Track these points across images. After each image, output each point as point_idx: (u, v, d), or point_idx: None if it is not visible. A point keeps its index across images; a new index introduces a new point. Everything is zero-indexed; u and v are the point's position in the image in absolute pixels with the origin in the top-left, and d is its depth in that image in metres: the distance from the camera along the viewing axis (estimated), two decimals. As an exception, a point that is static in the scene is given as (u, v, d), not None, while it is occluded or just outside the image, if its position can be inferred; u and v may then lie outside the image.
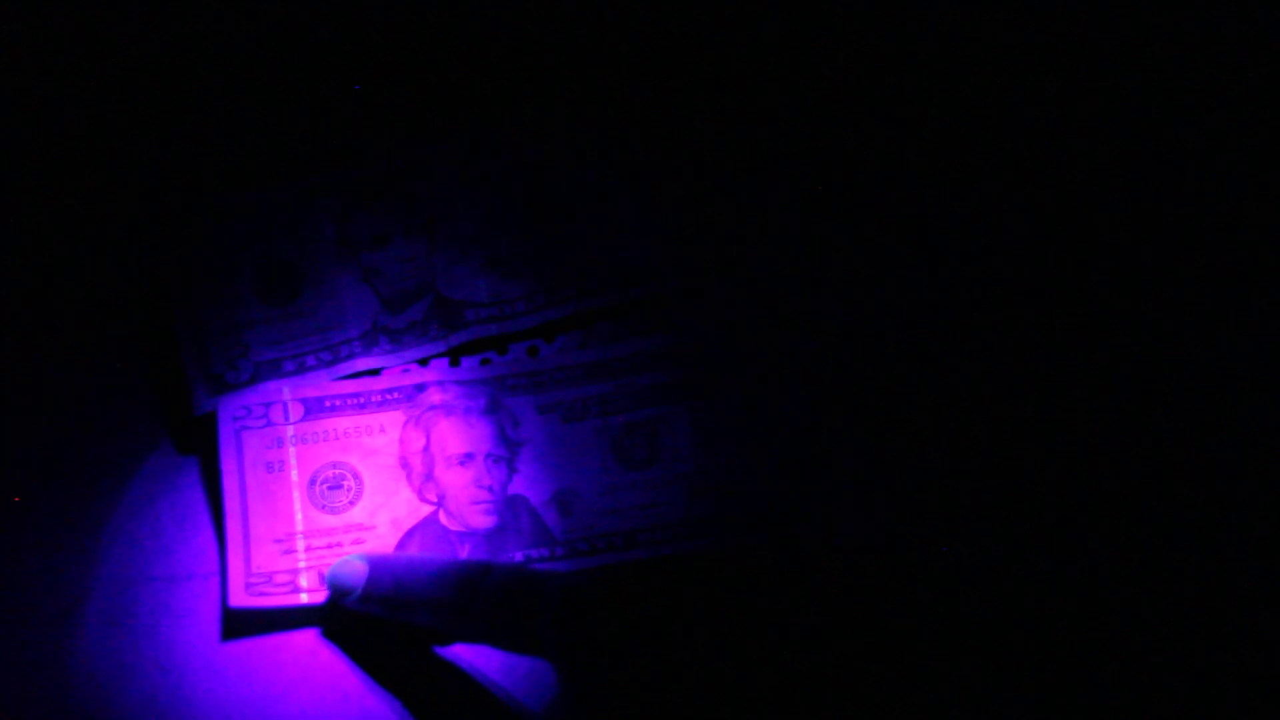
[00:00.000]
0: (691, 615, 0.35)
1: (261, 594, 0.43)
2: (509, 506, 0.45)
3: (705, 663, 0.34)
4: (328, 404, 0.46)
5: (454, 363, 0.47)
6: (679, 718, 0.33)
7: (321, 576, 0.43)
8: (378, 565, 0.41)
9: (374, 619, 0.41)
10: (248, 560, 0.43)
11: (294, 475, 0.45)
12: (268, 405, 0.45)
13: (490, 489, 0.45)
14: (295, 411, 0.46)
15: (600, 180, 0.49)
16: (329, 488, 0.45)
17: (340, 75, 0.52)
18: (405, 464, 0.45)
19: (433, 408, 0.46)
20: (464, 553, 0.44)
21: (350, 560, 0.42)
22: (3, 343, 0.47)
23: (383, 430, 0.45)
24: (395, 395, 0.46)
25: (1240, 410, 0.39)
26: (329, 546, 0.44)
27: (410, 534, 0.44)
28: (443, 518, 0.44)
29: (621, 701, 0.34)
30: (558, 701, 0.36)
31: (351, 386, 0.46)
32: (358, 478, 0.45)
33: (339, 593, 0.41)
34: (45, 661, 0.43)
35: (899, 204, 0.49)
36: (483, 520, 0.44)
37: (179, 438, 0.46)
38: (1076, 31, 0.49)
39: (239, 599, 0.43)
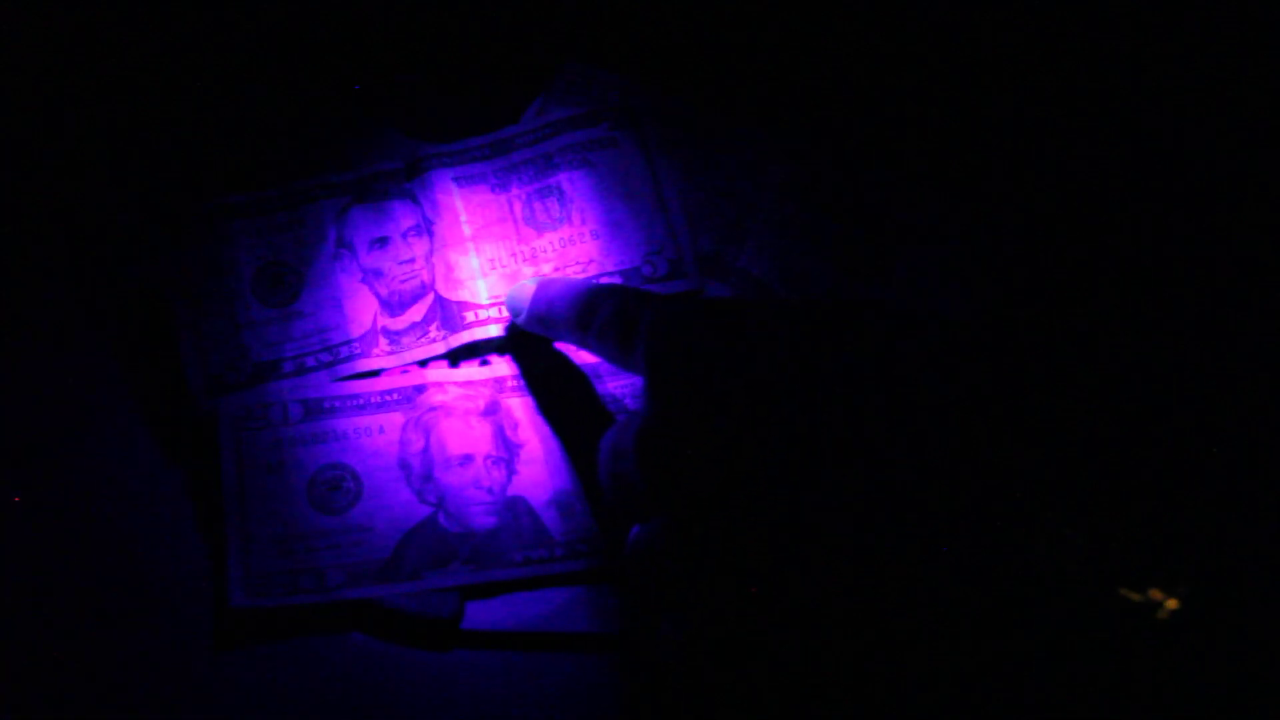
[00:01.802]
0: (767, 356, 0.34)
1: (261, 595, 0.43)
2: (508, 508, 0.45)
3: (766, 403, 0.33)
4: (327, 405, 0.46)
5: (453, 364, 0.47)
6: (733, 447, 0.33)
7: (319, 577, 0.43)
8: (542, 288, 0.44)
9: (537, 337, 0.46)
10: (247, 561, 0.43)
11: (293, 476, 0.45)
12: (267, 406, 0.45)
13: (489, 490, 0.45)
14: (295, 413, 0.46)
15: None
16: (328, 489, 0.45)
17: (340, 75, 0.52)
18: (404, 465, 0.45)
19: (432, 409, 0.46)
20: (464, 554, 0.44)
21: (525, 283, 0.44)
22: (2, 343, 0.47)
23: (382, 431, 0.45)
24: (395, 396, 0.46)
25: None
26: (328, 548, 0.44)
27: (409, 535, 0.44)
28: (442, 519, 0.44)
29: (681, 422, 0.35)
30: (635, 413, 0.37)
31: (351, 388, 0.46)
32: (357, 479, 0.45)
33: (513, 311, 0.45)
34: (45, 662, 0.43)
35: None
36: (482, 521, 0.44)
37: (179, 439, 0.46)
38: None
39: (239, 599, 0.43)
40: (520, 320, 0.45)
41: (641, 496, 0.36)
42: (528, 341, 0.47)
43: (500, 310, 0.47)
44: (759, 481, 0.33)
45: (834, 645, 0.33)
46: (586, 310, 0.40)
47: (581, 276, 0.48)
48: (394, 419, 0.46)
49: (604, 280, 0.48)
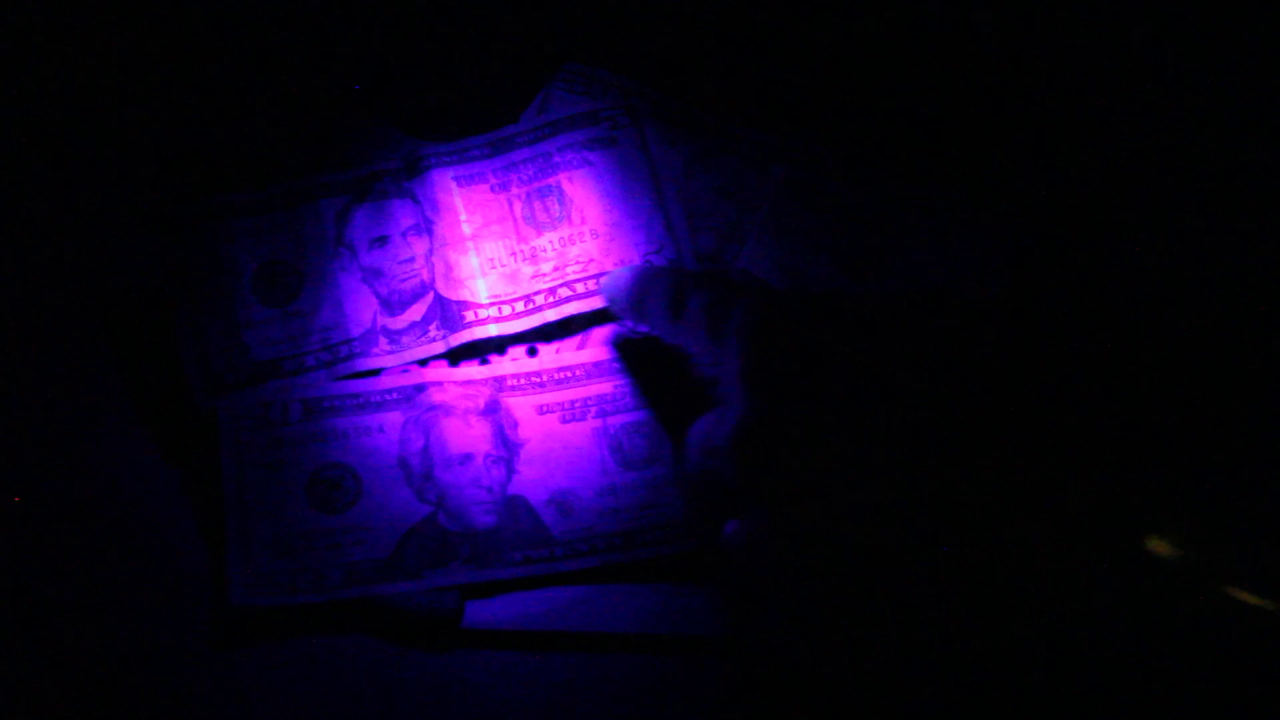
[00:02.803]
0: (866, 351, 0.34)
1: (260, 594, 0.43)
2: (508, 507, 0.45)
3: (867, 400, 0.33)
4: (327, 404, 0.46)
5: (453, 363, 0.47)
6: (833, 447, 0.33)
7: (319, 576, 0.43)
8: (634, 276, 0.44)
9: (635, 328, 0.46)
10: (247, 560, 0.43)
11: (293, 475, 0.45)
12: (267, 406, 0.45)
13: (489, 489, 0.45)
14: (295, 412, 0.46)
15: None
16: (328, 488, 0.45)
17: (340, 75, 0.52)
18: (404, 464, 0.45)
19: (432, 408, 0.46)
20: (464, 553, 0.44)
21: (619, 271, 0.45)
22: (2, 343, 0.47)
23: (382, 430, 0.45)
24: (394, 395, 0.46)
25: None
26: (328, 547, 0.44)
27: (409, 534, 0.44)
28: (442, 518, 0.44)
29: (779, 422, 0.34)
30: (725, 407, 0.37)
31: (351, 387, 0.46)
32: (357, 478, 0.45)
33: (608, 299, 0.45)
34: (46, 661, 0.43)
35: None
36: (482, 520, 0.44)
37: (179, 439, 0.46)
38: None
39: (238, 598, 0.43)
40: (614, 308, 0.45)
41: (734, 493, 0.36)
42: (623, 327, 0.47)
43: (500, 309, 0.47)
44: (860, 479, 0.33)
45: (935, 641, 0.33)
46: (677, 299, 0.40)
47: (665, 264, 0.48)
48: (394, 418, 0.46)
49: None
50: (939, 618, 0.32)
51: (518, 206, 0.49)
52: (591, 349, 0.47)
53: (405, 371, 0.47)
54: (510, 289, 0.48)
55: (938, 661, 0.33)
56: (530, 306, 0.48)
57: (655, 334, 0.46)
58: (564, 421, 0.46)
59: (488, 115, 0.51)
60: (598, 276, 0.48)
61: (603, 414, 0.46)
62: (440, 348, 0.47)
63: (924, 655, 0.33)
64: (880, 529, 0.32)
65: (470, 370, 0.47)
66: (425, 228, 0.49)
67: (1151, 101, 0.50)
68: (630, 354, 0.47)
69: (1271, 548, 0.31)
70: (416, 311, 0.48)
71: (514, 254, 0.49)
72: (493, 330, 0.47)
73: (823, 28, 0.52)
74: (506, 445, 0.46)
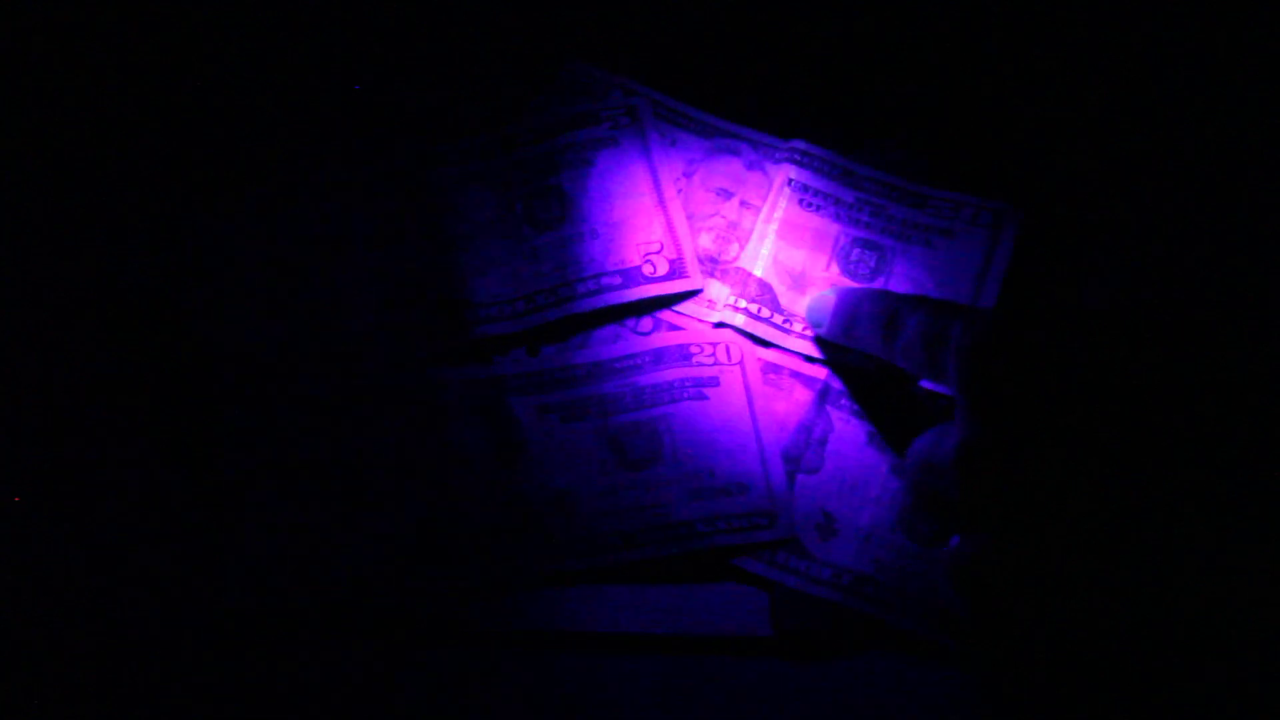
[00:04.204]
0: (1092, 372, 0.33)
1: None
2: (506, 507, 0.45)
3: (1095, 424, 0.33)
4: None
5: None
6: (1062, 472, 0.33)
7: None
8: (841, 300, 0.44)
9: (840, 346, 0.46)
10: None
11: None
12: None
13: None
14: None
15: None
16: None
17: (341, 75, 0.52)
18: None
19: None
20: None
21: (825, 294, 0.45)
22: (2, 342, 0.47)
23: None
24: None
25: None
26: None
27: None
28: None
29: (1006, 446, 0.34)
30: (948, 425, 0.37)
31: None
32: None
33: (814, 324, 0.46)
34: (45, 662, 0.43)
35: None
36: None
37: (180, 438, 0.46)
38: None
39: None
40: (822, 333, 0.45)
41: (957, 512, 0.36)
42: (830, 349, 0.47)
43: (500, 309, 0.47)
44: (1091, 505, 0.33)
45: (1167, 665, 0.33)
46: (890, 324, 0.40)
47: (880, 287, 0.47)
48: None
49: (606, 280, 0.48)
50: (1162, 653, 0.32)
51: (518, 206, 0.49)
52: (593, 348, 0.47)
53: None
54: (511, 289, 0.48)
55: (1154, 688, 0.33)
56: (531, 306, 0.48)
57: (866, 353, 0.44)
58: (565, 421, 0.46)
59: (488, 114, 0.51)
60: (598, 276, 0.48)
61: (604, 413, 0.46)
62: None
63: (1139, 684, 0.33)
64: (1102, 558, 0.32)
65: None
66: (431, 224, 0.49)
67: (1152, 101, 0.50)
68: (841, 365, 0.47)
69: None
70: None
71: (514, 254, 0.49)
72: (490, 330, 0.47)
73: (823, 27, 0.52)
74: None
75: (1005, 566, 0.34)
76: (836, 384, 0.47)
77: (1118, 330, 0.34)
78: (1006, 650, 0.36)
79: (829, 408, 0.46)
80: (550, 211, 0.49)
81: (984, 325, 0.36)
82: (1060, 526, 0.33)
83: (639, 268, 0.48)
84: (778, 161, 0.50)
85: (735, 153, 0.50)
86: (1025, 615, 0.34)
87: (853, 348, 0.44)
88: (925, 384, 0.46)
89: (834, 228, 0.49)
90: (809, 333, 0.47)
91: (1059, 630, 0.34)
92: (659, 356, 0.47)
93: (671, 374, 0.47)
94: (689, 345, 0.47)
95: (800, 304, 0.47)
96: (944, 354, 0.37)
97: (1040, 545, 0.33)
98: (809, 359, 0.47)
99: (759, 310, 0.47)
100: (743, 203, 0.49)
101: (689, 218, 0.49)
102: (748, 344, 0.47)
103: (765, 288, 0.48)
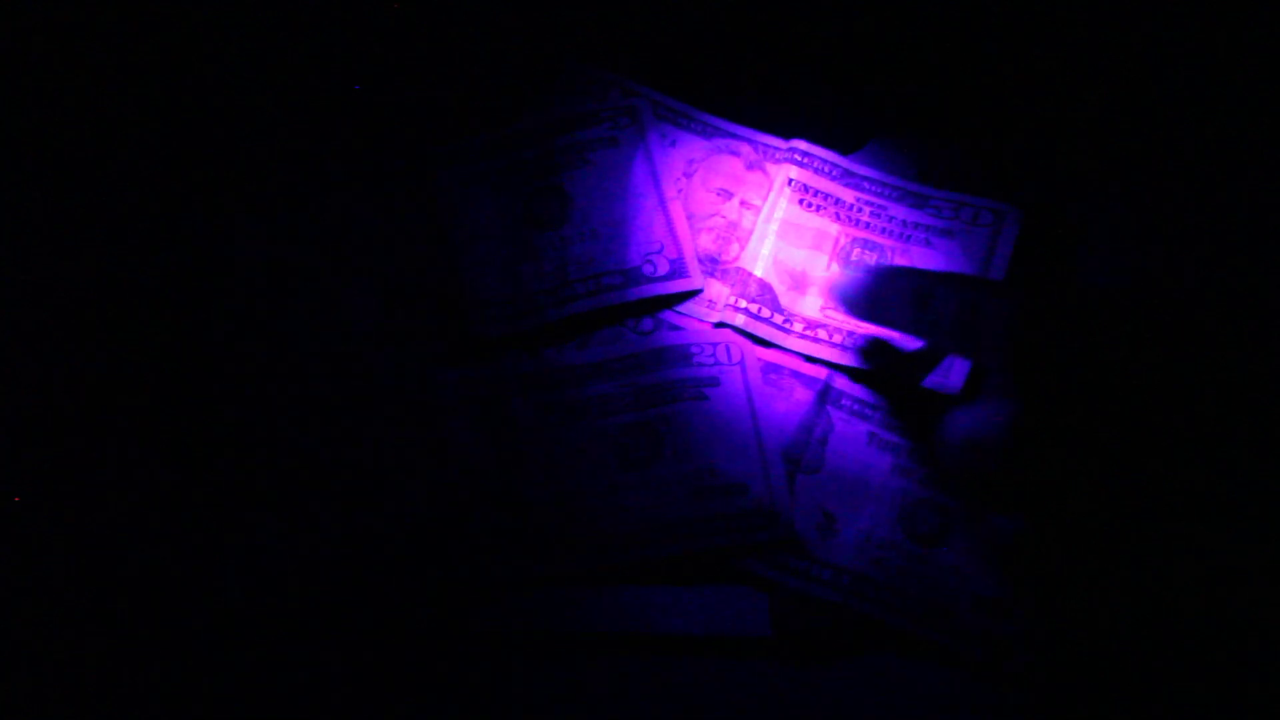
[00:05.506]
0: (1138, 355, 0.33)
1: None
2: (506, 507, 0.45)
3: (1139, 407, 0.33)
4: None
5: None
6: (1090, 448, 0.33)
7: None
8: (871, 277, 0.43)
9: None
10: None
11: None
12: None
13: None
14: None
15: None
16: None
17: (341, 75, 0.52)
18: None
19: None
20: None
21: (854, 274, 0.44)
22: (2, 342, 0.47)
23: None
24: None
25: None
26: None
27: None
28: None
29: (1050, 428, 0.34)
30: (986, 402, 0.37)
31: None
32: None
33: (845, 303, 0.45)
34: (45, 662, 0.43)
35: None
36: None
37: (181, 438, 0.46)
38: None
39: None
40: (850, 310, 0.44)
41: (996, 488, 0.36)
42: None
43: (503, 309, 0.47)
44: (1138, 489, 0.33)
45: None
46: (921, 301, 0.40)
47: (905, 265, 0.47)
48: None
49: (606, 280, 0.48)
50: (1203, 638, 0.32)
51: (519, 206, 0.49)
52: (592, 348, 0.47)
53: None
54: (511, 289, 0.48)
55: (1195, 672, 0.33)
56: (531, 306, 0.48)
57: (895, 332, 0.45)
58: (565, 421, 0.46)
59: (488, 115, 0.51)
60: (599, 276, 0.48)
61: (604, 413, 0.46)
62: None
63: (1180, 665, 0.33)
64: (1145, 539, 0.32)
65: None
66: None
67: (1151, 101, 0.50)
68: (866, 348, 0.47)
69: None
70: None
71: (515, 254, 0.49)
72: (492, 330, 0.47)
73: (823, 27, 0.52)
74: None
75: (1047, 544, 0.34)
76: (836, 384, 0.47)
77: (1169, 313, 0.34)
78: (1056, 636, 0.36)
79: (829, 407, 0.46)
80: (550, 211, 0.49)
81: (1020, 305, 0.36)
82: (1096, 512, 0.33)
83: (639, 268, 0.48)
84: (778, 161, 0.50)
85: (735, 153, 0.50)
86: (1064, 590, 0.34)
87: (883, 324, 0.44)
88: (927, 384, 0.46)
89: (834, 228, 0.49)
90: (809, 333, 0.47)
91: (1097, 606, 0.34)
92: (659, 356, 0.47)
93: (672, 374, 0.47)
94: (689, 345, 0.47)
95: (818, 289, 0.47)
96: (979, 331, 0.37)
97: (1080, 525, 0.34)
98: (809, 359, 0.47)
99: (759, 310, 0.48)
100: (743, 203, 0.49)
101: (689, 218, 0.49)
102: (748, 344, 0.47)
103: (765, 288, 0.48)
